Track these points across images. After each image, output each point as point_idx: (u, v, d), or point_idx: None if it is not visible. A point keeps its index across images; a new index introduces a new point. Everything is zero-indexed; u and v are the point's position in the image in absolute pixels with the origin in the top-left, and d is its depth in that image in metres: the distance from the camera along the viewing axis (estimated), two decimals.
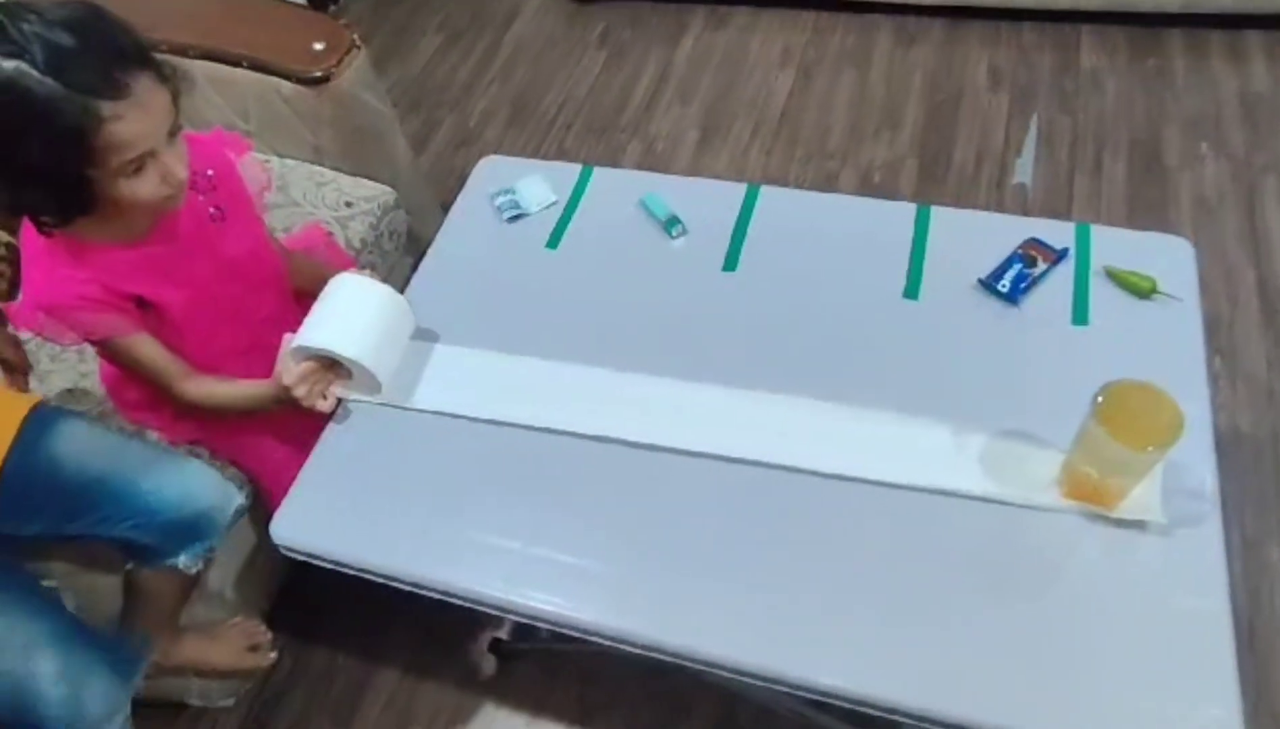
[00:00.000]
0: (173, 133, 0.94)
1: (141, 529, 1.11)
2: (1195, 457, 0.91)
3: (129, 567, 1.18)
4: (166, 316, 1.09)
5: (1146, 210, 1.90)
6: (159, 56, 0.91)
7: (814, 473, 0.95)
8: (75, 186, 0.90)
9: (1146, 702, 0.78)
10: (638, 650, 0.89)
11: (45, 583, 1.18)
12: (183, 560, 1.16)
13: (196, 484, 1.16)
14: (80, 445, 1.11)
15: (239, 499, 1.21)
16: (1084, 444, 0.86)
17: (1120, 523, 0.88)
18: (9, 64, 0.82)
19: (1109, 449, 0.81)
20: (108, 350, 1.10)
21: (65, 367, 1.40)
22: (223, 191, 1.13)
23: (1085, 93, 2.17)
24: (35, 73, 0.82)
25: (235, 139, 1.20)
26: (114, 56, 0.86)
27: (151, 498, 1.11)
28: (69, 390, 1.36)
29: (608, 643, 0.90)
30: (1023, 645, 0.82)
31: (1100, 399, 0.83)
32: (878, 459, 0.95)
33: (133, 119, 0.87)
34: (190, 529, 1.15)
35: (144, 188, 0.93)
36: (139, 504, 1.10)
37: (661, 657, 0.88)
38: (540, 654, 1.48)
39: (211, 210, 1.12)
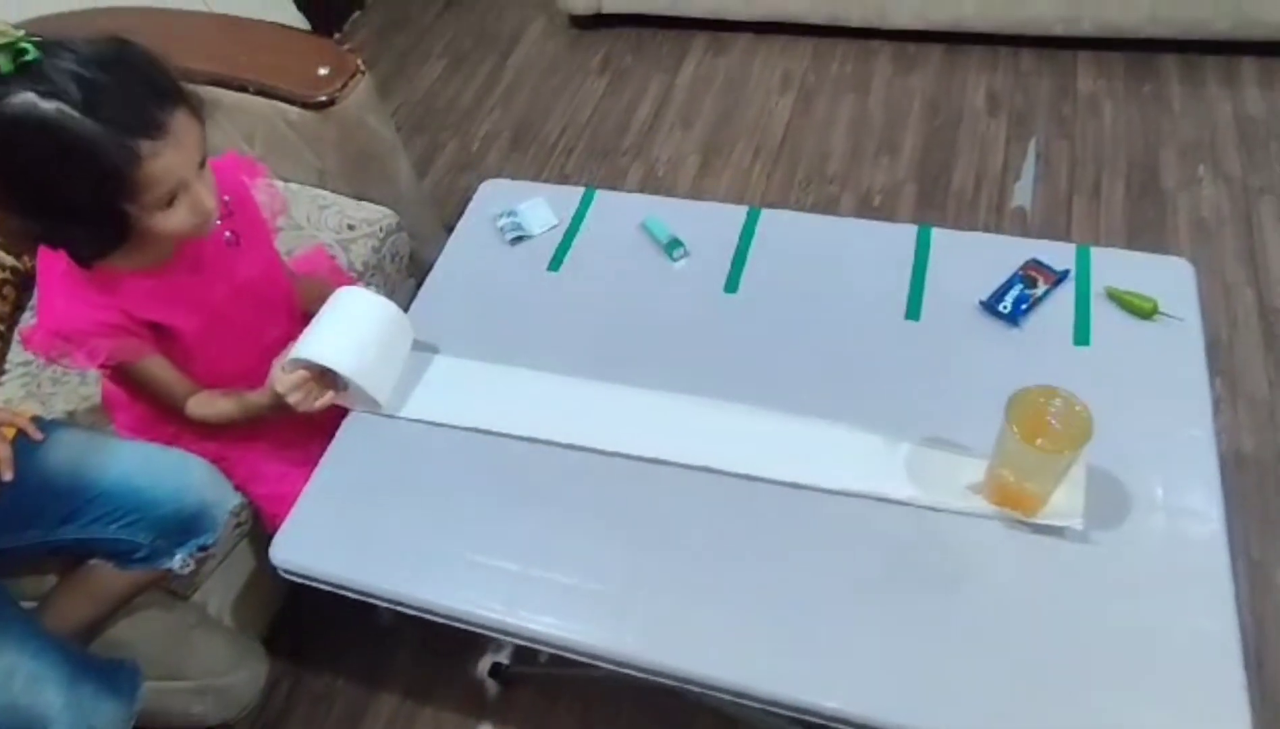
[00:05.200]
0: (201, 163, 0.95)
1: (137, 526, 1.10)
2: (1200, 478, 0.91)
3: (91, 562, 1.14)
4: (179, 341, 1.10)
5: (1145, 232, 1.91)
6: (189, 89, 0.93)
7: (814, 489, 0.95)
8: (113, 222, 0.91)
9: (1152, 726, 0.77)
10: (635, 673, 0.88)
11: (25, 605, 1.16)
12: (178, 560, 1.14)
13: (194, 478, 1.15)
14: (74, 450, 1.10)
15: (235, 498, 1.20)
16: (1000, 449, 0.87)
17: (1039, 529, 0.88)
18: (49, 105, 0.83)
19: (1021, 453, 0.83)
20: (119, 373, 1.10)
21: (67, 389, 1.40)
22: (238, 216, 1.14)
23: (1083, 117, 2.19)
24: (76, 113, 0.83)
25: (249, 164, 1.21)
26: (151, 94, 0.87)
27: (148, 493, 1.10)
28: (69, 413, 1.36)
29: (607, 666, 0.89)
30: (1028, 668, 0.81)
31: (1012, 404, 0.84)
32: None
33: (169, 155, 0.88)
34: (187, 525, 1.14)
35: (175, 219, 0.94)
36: (135, 500, 1.09)
37: (659, 679, 0.87)
38: (540, 678, 1.47)
39: (227, 235, 1.13)
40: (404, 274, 1.71)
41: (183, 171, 0.91)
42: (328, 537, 1.00)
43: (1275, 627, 1.37)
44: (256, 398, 1.09)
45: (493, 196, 1.35)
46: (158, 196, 0.90)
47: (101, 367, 1.06)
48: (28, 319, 1.53)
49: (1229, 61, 2.24)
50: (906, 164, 2.16)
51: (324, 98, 1.51)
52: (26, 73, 0.83)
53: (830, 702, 0.81)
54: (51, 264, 1.02)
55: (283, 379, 1.03)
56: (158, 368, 1.09)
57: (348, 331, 1.04)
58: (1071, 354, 1.03)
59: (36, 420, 1.11)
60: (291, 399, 1.03)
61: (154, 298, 1.05)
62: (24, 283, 1.51)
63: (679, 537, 0.94)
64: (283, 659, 1.52)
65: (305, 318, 1.24)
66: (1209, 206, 1.94)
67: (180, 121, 0.89)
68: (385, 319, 1.07)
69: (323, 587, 0.99)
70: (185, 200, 0.94)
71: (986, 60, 2.38)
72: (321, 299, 1.11)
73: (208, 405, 1.13)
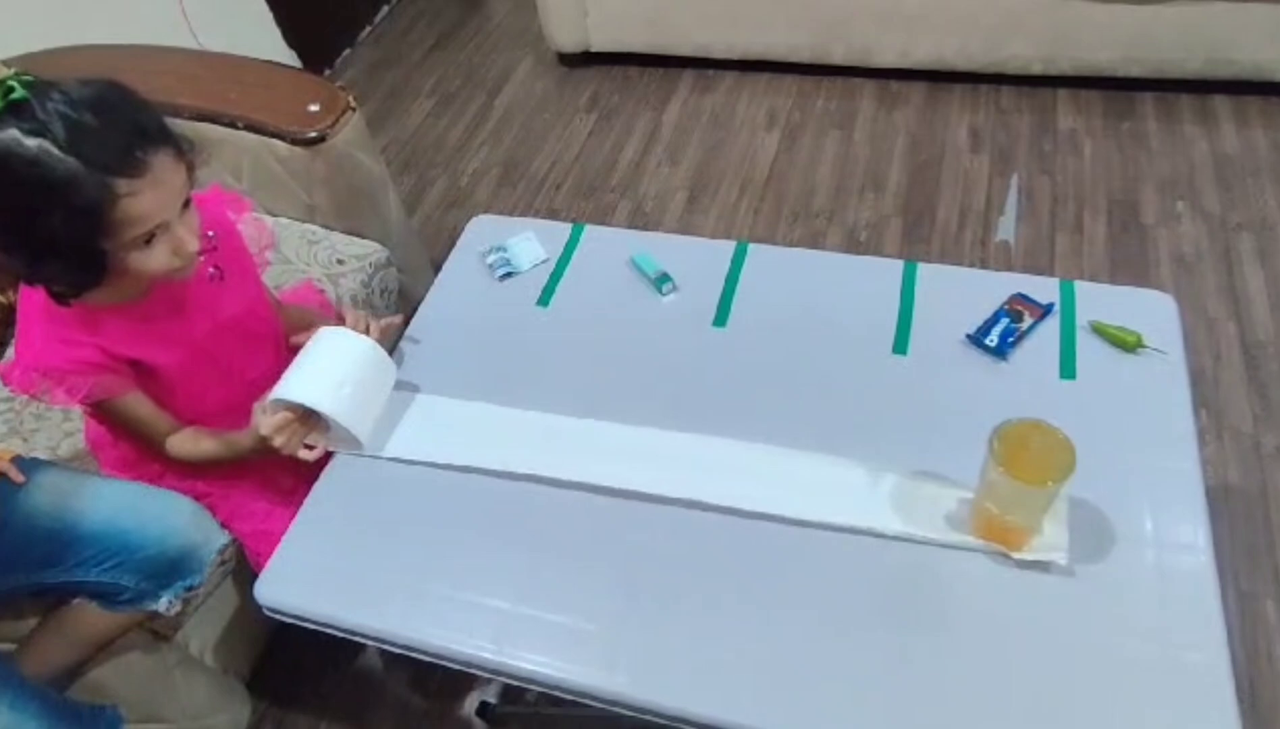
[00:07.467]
0: (185, 204, 0.95)
1: (122, 569, 1.08)
2: (1186, 510, 0.91)
3: (74, 601, 1.13)
4: (160, 377, 1.09)
5: (1127, 267, 1.94)
6: (177, 131, 0.93)
7: (802, 523, 0.95)
8: (90, 259, 0.91)
9: None
10: (626, 711, 0.87)
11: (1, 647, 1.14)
12: (164, 602, 1.13)
13: (179, 520, 1.13)
14: (56, 492, 1.09)
15: (222, 538, 1.19)
16: (984, 482, 0.88)
17: (1024, 563, 0.89)
18: (32, 142, 0.84)
19: (1004, 485, 0.83)
20: (99, 410, 1.09)
21: (50, 425, 1.39)
22: (223, 251, 1.14)
23: (1063, 153, 2.23)
24: (57, 151, 0.84)
25: (235, 198, 1.22)
26: (134, 135, 0.88)
27: (133, 535, 1.09)
28: (53, 450, 1.35)
29: (597, 705, 0.88)
30: (1015, 703, 0.81)
31: (996, 437, 0.84)
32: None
33: (148, 195, 0.89)
34: (173, 567, 1.12)
35: (155, 259, 0.94)
36: (119, 542, 1.08)
37: (650, 717, 0.86)
38: (529, 717, 1.44)
39: (211, 270, 1.12)
40: (393, 309, 1.71)
41: (163, 212, 0.91)
42: (314, 574, 0.99)
43: (1267, 658, 1.37)
44: (240, 438, 1.08)
45: (481, 232, 1.36)
46: (136, 236, 0.90)
47: (81, 404, 1.05)
48: (7, 356, 1.51)
49: (1203, 100, 2.29)
50: (891, 199, 2.19)
51: (314, 134, 1.52)
52: (14, 111, 0.84)
53: None
54: (31, 300, 1.02)
55: (265, 421, 1.02)
56: (138, 405, 1.08)
57: (328, 371, 1.04)
58: (1058, 387, 1.04)
59: (18, 460, 1.10)
60: (276, 441, 1.02)
61: (134, 335, 1.04)
62: (6, 318, 1.50)
63: (667, 572, 0.94)
64: (266, 700, 1.49)
65: (293, 350, 1.24)
66: (1189, 242, 1.97)
67: (162, 162, 0.89)
68: (366, 358, 1.07)
69: (308, 625, 0.97)
70: (165, 241, 0.94)
71: (968, 98, 2.43)
72: (309, 328, 1.11)
73: (190, 444, 1.12)
